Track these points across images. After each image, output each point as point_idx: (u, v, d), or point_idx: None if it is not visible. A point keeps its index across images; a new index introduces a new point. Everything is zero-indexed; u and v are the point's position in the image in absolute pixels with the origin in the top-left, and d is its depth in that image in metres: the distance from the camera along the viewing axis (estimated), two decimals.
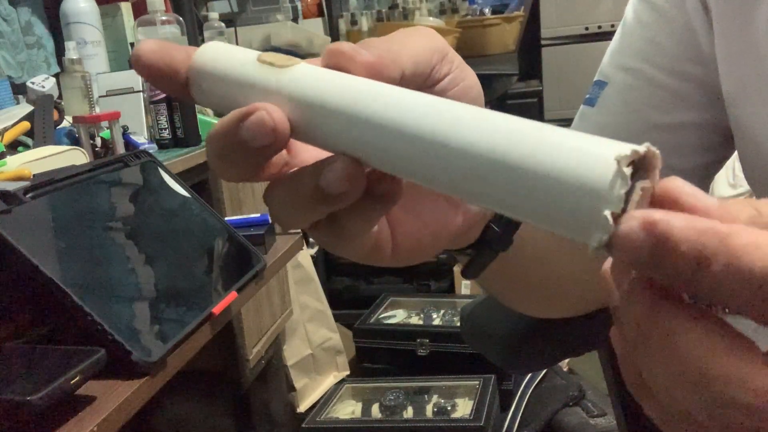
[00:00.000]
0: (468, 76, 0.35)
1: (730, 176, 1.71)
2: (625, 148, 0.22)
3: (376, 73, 0.29)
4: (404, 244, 0.36)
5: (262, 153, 0.28)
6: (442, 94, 0.33)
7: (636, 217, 0.21)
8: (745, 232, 0.20)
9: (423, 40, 0.33)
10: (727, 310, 0.22)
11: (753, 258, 0.20)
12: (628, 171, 0.22)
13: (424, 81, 0.33)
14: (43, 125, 1.26)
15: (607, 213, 0.22)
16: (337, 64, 0.29)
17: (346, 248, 0.33)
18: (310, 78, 0.29)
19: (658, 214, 0.21)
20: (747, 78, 0.51)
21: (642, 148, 0.22)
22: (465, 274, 0.44)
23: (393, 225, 0.36)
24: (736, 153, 0.56)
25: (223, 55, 0.31)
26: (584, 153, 0.23)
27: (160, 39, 0.32)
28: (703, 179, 0.58)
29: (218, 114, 1.64)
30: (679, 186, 0.22)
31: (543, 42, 2.93)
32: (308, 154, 0.32)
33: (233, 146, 0.28)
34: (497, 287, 0.54)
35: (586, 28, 2.85)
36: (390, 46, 0.31)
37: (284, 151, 0.32)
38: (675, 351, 0.21)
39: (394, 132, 0.26)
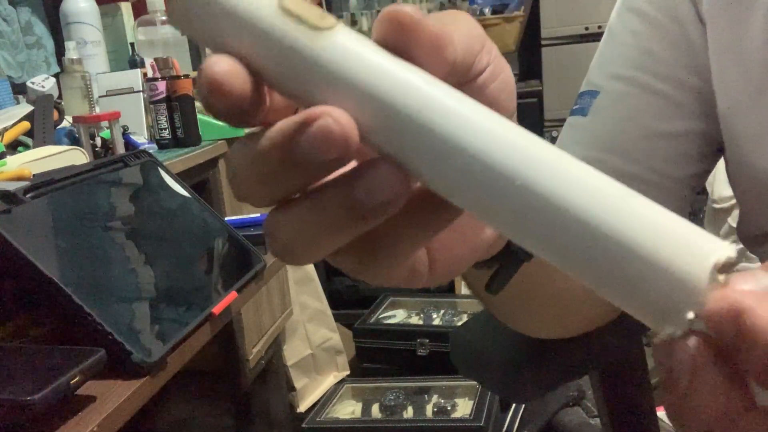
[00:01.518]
0: (505, 68, 0.31)
1: None
2: (727, 251, 0.22)
3: (436, 50, 0.24)
4: (443, 262, 0.31)
5: (324, 168, 0.23)
6: (483, 88, 0.29)
7: (726, 299, 0.21)
8: None
9: (467, 25, 0.28)
10: None
11: None
12: (721, 278, 0.22)
13: (467, 72, 0.28)
14: (43, 125, 1.26)
15: (691, 314, 0.21)
16: (395, 32, 0.24)
17: (379, 275, 0.27)
18: (360, 56, 0.22)
19: (748, 300, 0.20)
20: (739, 92, 0.51)
21: (733, 252, 0.22)
22: (490, 289, 0.41)
23: (431, 243, 0.31)
24: None
25: None
26: (687, 244, 0.22)
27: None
28: (694, 188, 0.58)
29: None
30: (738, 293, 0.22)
31: (543, 42, 2.93)
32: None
33: (286, 164, 0.23)
34: (508, 305, 0.51)
35: (586, 28, 2.85)
36: (443, 24, 0.25)
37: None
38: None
39: (477, 164, 0.22)
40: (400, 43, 0.23)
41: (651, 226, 0.22)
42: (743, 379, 0.22)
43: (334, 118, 0.22)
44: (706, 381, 0.21)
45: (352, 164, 0.24)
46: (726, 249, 0.22)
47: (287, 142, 0.22)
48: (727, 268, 0.22)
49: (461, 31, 0.27)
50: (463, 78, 0.28)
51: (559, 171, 0.23)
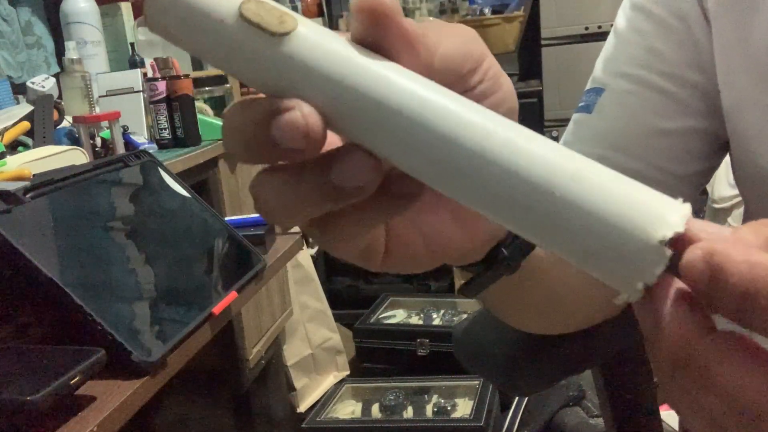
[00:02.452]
0: (501, 88, 0.32)
1: (731, 176, 1.71)
2: (682, 210, 0.23)
3: (407, 47, 0.25)
4: (397, 253, 0.34)
5: (295, 154, 0.25)
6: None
7: (700, 248, 0.22)
8: None
9: (459, 41, 0.29)
10: None
11: None
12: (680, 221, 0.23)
13: (452, 84, 0.28)
14: (43, 125, 1.26)
15: (667, 233, 0.23)
16: (369, 22, 0.25)
17: (339, 248, 0.30)
18: (318, 55, 0.24)
19: (718, 246, 0.22)
20: (745, 90, 0.51)
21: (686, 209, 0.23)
22: (463, 292, 0.42)
23: (389, 231, 0.34)
24: None
25: None
26: (647, 200, 0.23)
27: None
28: (698, 186, 0.58)
29: (218, 115, 1.64)
30: (697, 226, 0.23)
31: (543, 42, 2.93)
32: None
33: (260, 140, 0.25)
34: (496, 304, 0.52)
35: (586, 28, 2.85)
36: (431, 32, 0.27)
37: None
38: (714, 383, 0.22)
39: (442, 143, 0.24)
40: (372, 32, 0.25)
41: (610, 191, 0.23)
42: (701, 307, 0.23)
43: (303, 113, 0.24)
44: (668, 314, 0.23)
45: (335, 144, 0.26)
46: (679, 208, 0.23)
47: (261, 121, 0.24)
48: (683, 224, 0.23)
49: (450, 41, 0.28)
50: (452, 87, 0.28)
51: (513, 143, 0.24)
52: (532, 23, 2.91)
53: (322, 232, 0.28)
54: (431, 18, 2.69)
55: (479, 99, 0.30)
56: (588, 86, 0.59)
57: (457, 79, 0.29)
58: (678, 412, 0.25)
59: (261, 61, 0.24)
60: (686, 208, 0.23)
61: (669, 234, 0.22)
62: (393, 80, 0.24)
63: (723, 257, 0.21)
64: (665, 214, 0.23)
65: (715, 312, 0.22)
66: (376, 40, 0.25)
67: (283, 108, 0.24)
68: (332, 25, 2.74)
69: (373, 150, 0.25)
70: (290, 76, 0.24)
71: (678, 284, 0.23)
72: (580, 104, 0.58)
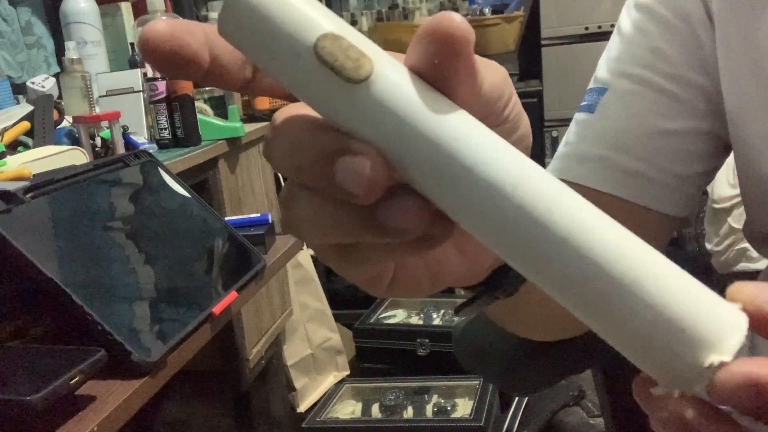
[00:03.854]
0: (522, 124, 0.31)
1: (731, 176, 1.71)
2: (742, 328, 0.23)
3: (469, 77, 0.24)
4: (403, 281, 0.33)
5: (345, 194, 0.24)
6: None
7: (740, 373, 0.22)
8: None
9: (499, 75, 0.28)
10: None
11: None
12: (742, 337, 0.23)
13: (485, 119, 0.27)
14: (43, 125, 1.26)
15: (717, 359, 0.23)
16: (438, 47, 0.23)
17: (351, 272, 0.29)
18: (393, 104, 0.23)
19: (761, 371, 0.22)
20: (749, 93, 0.51)
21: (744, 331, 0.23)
22: (459, 312, 0.42)
23: (399, 262, 0.33)
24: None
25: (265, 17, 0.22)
26: (711, 306, 0.23)
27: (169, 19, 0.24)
28: (700, 186, 0.58)
29: (218, 115, 1.64)
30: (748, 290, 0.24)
31: (543, 42, 2.93)
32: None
33: (317, 172, 0.24)
34: (494, 314, 0.52)
35: (586, 28, 2.85)
36: (477, 63, 0.25)
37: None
38: None
39: (513, 210, 0.23)
40: (442, 59, 0.23)
41: (673, 285, 0.23)
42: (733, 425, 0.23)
43: (372, 162, 0.23)
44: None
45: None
46: (741, 325, 0.23)
47: (323, 159, 0.23)
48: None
49: (492, 75, 0.27)
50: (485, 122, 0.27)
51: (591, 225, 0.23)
52: (532, 23, 2.91)
53: (342, 257, 0.27)
54: (430, 18, 2.69)
55: (505, 136, 0.28)
56: (590, 86, 0.59)
57: (491, 113, 0.28)
58: None
59: (332, 100, 0.23)
60: (743, 327, 0.23)
61: (717, 361, 0.23)
62: (467, 136, 0.23)
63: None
64: (723, 337, 0.23)
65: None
66: (443, 68, 0.23)
67: (353, 150, 0.23)
68: None
69: (431, 198, 0.24)
70: (360, 118, 0.23)
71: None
72: (582, 104, 0.58)
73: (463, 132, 0.23)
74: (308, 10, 0.22)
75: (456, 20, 0.23)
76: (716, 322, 0.23)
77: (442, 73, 0.24)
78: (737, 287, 0.24)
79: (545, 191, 0.23)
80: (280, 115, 0.25)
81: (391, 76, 0.23)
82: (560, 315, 0.52)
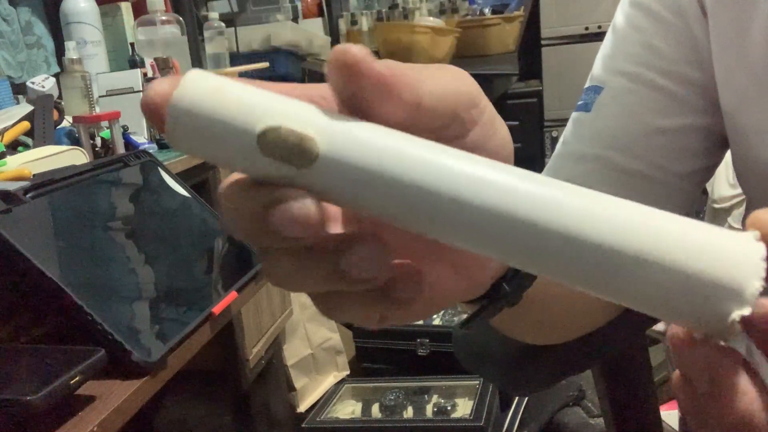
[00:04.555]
0: (498, 131, 0.30)
1: (730, 176, 1.71)
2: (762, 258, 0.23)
3: (386, 92, 0.25)
4: (395, 315, 0.32)
5: (293, 241, 0.25)
6: (473, 150, 0.28)
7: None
8: None
9: (451, 79, 0.28)
10: None
11: None
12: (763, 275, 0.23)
13: (444, 128, 0.28)
14: (43, 125, 1.26)
15: (738, 314, 0.23)
16: (342, 76, 0.24)
17: (340, 318, 0.30)
18: (344, 174, 0.23)
19: None
20: (744, 88, 0.51)
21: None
22: (465, 327, 0.42)
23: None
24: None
25: (211, 108, 0.23)
26: (727, 254, 0.23)
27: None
28: (699, 183, 0.58)
29: None
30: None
31: (543, 42, 2.93)
32: None
33: (261, 229, 0.25)
34: (494, 322, 0.51)
35: (586, 28, 2.85)
36: (411, 71, 0.26)
37: None
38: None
39: (487, 214, 0.23)
40: (349, 85, 0.24)
41: (685, 241, 0.23)
42: (761, 380, 0.23)
43: (304, 205, 0.24)
44: (728, 386, 0.23)
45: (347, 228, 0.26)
46: (761, 254, 0.23)
47: (258, 211, 0.24)
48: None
49: (440, 83, 0.27)
50: (443, 136, 0.27)
51: (578, 209, 0.24)
52: (532, 23, 2.91)
53: (323, 302, 0.28)
54: (430, 18, 2.68)
55: (480, 142, 0.29)
56: (587, 84, 0.59)
57: (451, 120, 0.28)
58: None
59: (292, 179, 0.24)
60: (761, 265, 0.23)
61: (740, 315, 0.22)
62: (436, 170, 0.24)
63: None
64: (744, 282, 0.22)
65: None
66: (355, 92, 0.24)
67: (281, 199, 0.24)
68: (332, 25, 2.74)
69: (418, 231, 0.25)
70: (320, 187, 0.24)
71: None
72: (579, 103, 0.58)
73: (428, 164, 0.23)
74: (242, 108, 0.23)
75: (345, 47, 0.24)
76: (734, 267, 0.23)
77: (361, 100, 0.25)
78: (756, 215, 0.24)
79: (508, 190, 0.23)
80: (221, 188, 0.26)
81: (340, 145, 0.23)
82: (562, 320, 0.53)
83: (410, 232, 0.25)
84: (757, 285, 0.22)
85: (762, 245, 0.23)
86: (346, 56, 0.24)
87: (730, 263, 0.22)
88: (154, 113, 0.24)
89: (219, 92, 0.23)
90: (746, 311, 0.22)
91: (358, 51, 0.24)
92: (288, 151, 0.23)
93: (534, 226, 0.23)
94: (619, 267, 0.23)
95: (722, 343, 0.23)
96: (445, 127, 0.27)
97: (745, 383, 0.23)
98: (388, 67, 0.25)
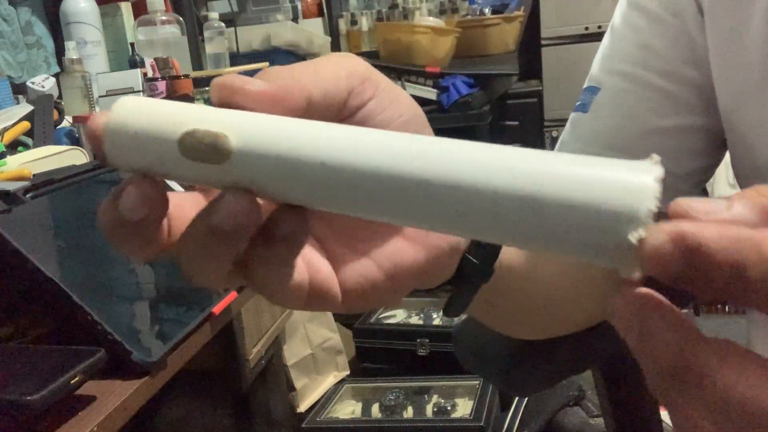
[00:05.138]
0: (397, 98, 0.32)
1: (730, 176, 1.71)
2: (653, 172, 0.22)
3: (276, 103, 0.27)
4: (355, 289, 0.33)
5: (145, 225, 0.27)
6: (366, 120, 0.31)
7: (664, 231, 0.21)
8: None
9: (336, 65, 0.30)
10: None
11: None
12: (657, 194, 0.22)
13: (340, 108, 0.30)
14: (43, 125, 1.26)
15: (636, 235, 0.22)
16: (226, 100, 0.27)
17: (277, 298, 0.30)
18: (253, 164, 0.26)
19: (686, 226, 0.21)
20: (741, 86, 0.50)
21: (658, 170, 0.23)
22: (447, 312, 0.41)
23: (339, 269, 0.33)
24: None
25: (138, 129, 0.26)
26: (621, 178, 0.22)
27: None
28: (697, 184, 0.57)
29: None
30: (686, 202, 0.22)
31: (543, 42, 2.93)
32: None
33: (116, 224, 0.27)
34: (481, 316, 0.50)
35: (586, 28, 2.85)
36: (292, 72, 0.28)
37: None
38: (718, 396, 0.21)
39: (361, 175, 0.25)
40: (236, 105, 0.27)
41: (577, 172, 0.23)
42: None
43: (137, 184, 0.26)
44: (655, 324, 0.22)
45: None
46: (655, 175, 0.22)
47: (109, 208, 0.27)
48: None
49: (324, 72, 0.30)
50: (340, 114, 0.31)
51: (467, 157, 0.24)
52: (532, 23, 2.91)
53: (247, 281, 0.29)
54: (430, 18, 2.68)
55: (378, 111, 0.32)
56: (585, 85, 0.59)
57: (347, 97, 0.30)
58: (676, 424, 0.24)
59: (216, 178, 0.26)
60: (653, 183, 0.22)
61: (637, 237, 0.22)
62: (343, 145, 0.25)
63: (697, 236, 0.20)
64: (637, 203, 0.22)
65: (697, 293, 0.22)
66: (240, 106, 0.27)
67: (119, 189, 0.27)
68: (332, 24, 2.74)
69: (335, 210, 0.26)
70: (245, 180, 0.26)
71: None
72: (577, 103, 0.58)
73: (334, 140, 0.25)
74: (163, 120, 0.26)
75: (220, 78, 0.28)
76: (624, 190, 0.22)
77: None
78: (678, 202, 0.23)
79: (389, 153, 0.25)
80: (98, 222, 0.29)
81: (248, 137, 0.26)
82: (549, 309, 0.52)
83: (335, 212, 0.26)
84: (651, 205, 0.22)
85: (659, 167, 0.23)
86: (225, 81, 0.27)
87: (623, 186, 0.22)
88: (95, 141, 0.27)
89: (145, 110, 0.26)
90: (642, 232, 0.21)
91: (235, 79, 0.27)
92: (205, 150, 0.25)
93: (426, 183, 0.24)
94: (509, 208, 0.23)
95: (631, 277, 0.23)
96: (344, 102, 0.30)
97: (671, 318, 0.22)
98: (268, 81, 0.27)
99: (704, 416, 0.22)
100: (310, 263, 0.32)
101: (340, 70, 0.30)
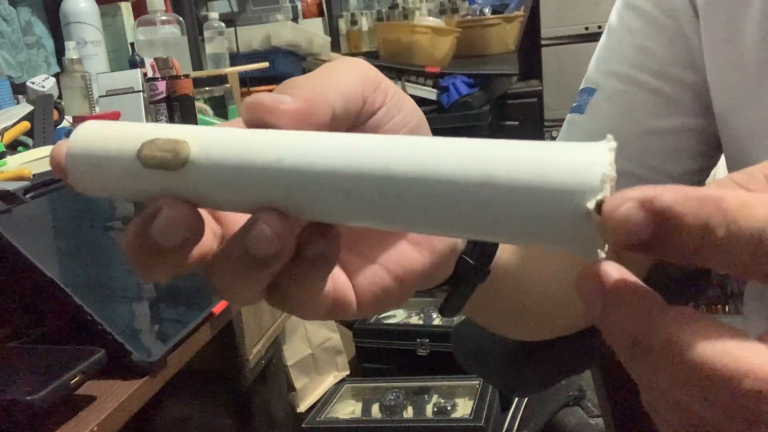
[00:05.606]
0: (405, 106, 0.33)
1: None
2: (604, 148, 0.22)
3: (304, 120, 0.27)
4: (368, 295, 0.33)
5: (180, 249, 0.26)
6: (376, 128, 0.32)
7: (630, 197, 0.20)
8: (732, 194, 0.20)
9: (352, 72, 0.31)
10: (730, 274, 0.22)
11: (747, 217, 0.20)
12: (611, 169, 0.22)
13: (356, 116, 0.31)
14: (43, 125, 1.26)
15: (592, 203, 0.21)
16: (259, 119, 0.27)
17: (303, 313, 0.30)
18: (213, 170, 0.25)
19: (651, 190, 0.20)
20: (736, 89, 0.50)
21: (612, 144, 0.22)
22: (443, 313, 0.42)
23: (352, 277, 0.33)
24: None
25: (98, 150, 0.27)
26: (572, 155, 0.22)
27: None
28: (693, 185, 0.57)
29: (218, 115, 1.64)
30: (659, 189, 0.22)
31: (543, 42, 2.93)
32: (239, 218, 0.29)
33: (149, 249, 0.26)
34: (477, 316, 0.51)
35: (586, 28, 2.85)
36: (315, 83, 0.29)
37: (215, 225, 0.30)
38: (682, 361, 0.21)
39: (338, 177, 0.24)
40: (268, 124, 0.27)
41: (527, 155, 0.23)
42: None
43: (176, 209, 0.25)
44: (618, 295, 0.22)
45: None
46: (609, 146, 0.22)
47: (141, 232, 0.26)
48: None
49: (343, 81, 0.30)
50: (356, 121, 0.31)
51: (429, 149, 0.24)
52: (532, 23, 2.91)
53: (276, 303, 0.29)
54: (430, 18, 2.68)
55: (388, 118, 0.32)
56: (582, 86, 0.59)
57: (363, 105, 0.31)
58: (647, 401, 0.24)
59: (168, 191, 0.26)
60: (604, 153, 0.22)
61: (594, 203, 0.21)
62: (285, 147, 0.25)
63: (664, 200, 0.20)
64: (586, 174, 0.22)
65: (666, 260, 0.21)
66: (272, 125, 0.27)
67: (153, 213, 0.26)
68: (332, 24, 2.74)
69: (303, 216, 0.26)
70: (206, 186, 0.26)
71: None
72: (574, 105, 0.58)
73: (289, 143, 0.25)
74: (123, 138, 0.26)
75: (256, 97, 0.27)
76: (572, 164, 0.22)
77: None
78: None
79: (365, 155, 0.24)
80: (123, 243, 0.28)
81: (207, 144, 0.26)
82: (544, 309, 0.52)
83: (303, 217, 0.26)
84: (606, 170, 0.21)
85: (612, 143, 0.22)
86: (260, 100, 0.27)
87: (574, 160, 0.22)
88: (59, 171, 0.27)
89: (104, 132, 0.27)
90: (600, 195, 0.21)
91: (268, 97, 0.27)
92: (163, 156, 0.25)
93: (387, 177, 0.24)
94: (462, 199, 0.23)
95: (597, 260, 0.22)
96: (359, 111, 0.31)
97: (631, 293, 0.22)
98: (297, 97, 0.27)
99: (672, 384, 0.22)
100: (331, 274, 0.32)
101: (355, 79, 0.31)
